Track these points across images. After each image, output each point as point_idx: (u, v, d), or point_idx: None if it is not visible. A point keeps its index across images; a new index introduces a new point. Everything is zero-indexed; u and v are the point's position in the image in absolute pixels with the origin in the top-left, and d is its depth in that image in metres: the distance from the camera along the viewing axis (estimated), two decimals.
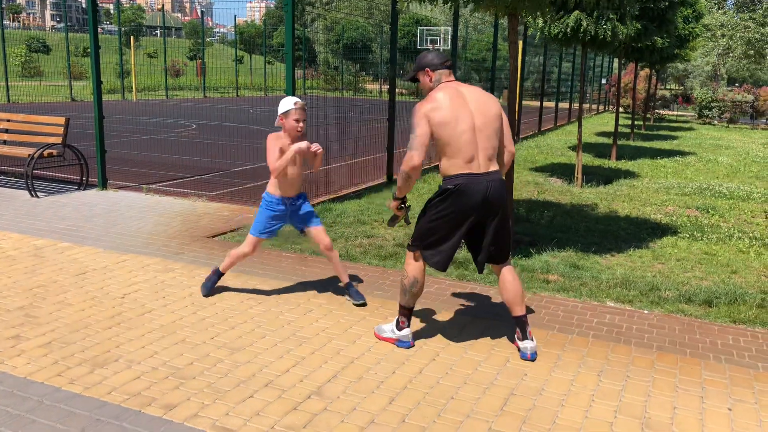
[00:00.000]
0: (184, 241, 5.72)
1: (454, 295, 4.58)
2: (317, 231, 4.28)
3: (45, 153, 7.47)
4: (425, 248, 3.57)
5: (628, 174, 10.80)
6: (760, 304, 4.53)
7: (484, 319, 4.15)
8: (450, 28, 33.96)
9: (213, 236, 5.94)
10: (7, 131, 8.13)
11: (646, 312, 4.39)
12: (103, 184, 7.91)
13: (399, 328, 3.71)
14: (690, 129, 22.08)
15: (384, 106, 9.07)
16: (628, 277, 5.03)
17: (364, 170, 9.85)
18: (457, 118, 3.39)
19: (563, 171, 10.83)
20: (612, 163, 12.26)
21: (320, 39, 49.87)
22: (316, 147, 4.08)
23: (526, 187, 9.18)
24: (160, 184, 8.35)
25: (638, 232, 6.64)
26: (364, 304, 4.30)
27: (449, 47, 36.72)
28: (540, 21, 9.17)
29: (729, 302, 4.53)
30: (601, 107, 33.26)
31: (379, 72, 46.70)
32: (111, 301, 4.23)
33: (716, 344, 3.88)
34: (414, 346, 3.71)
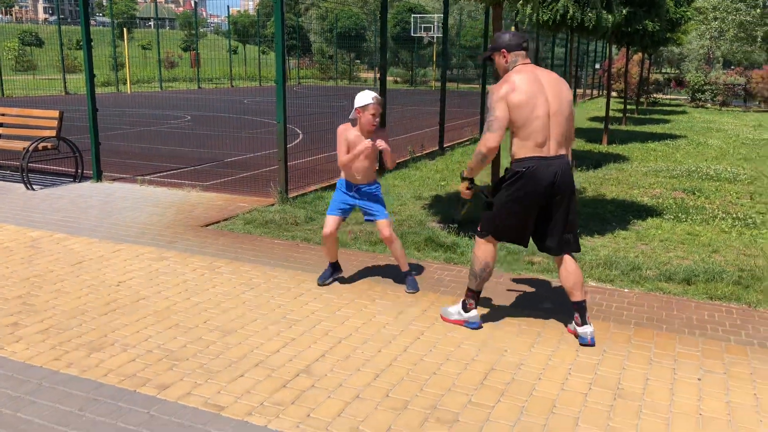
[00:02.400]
0: (178, 230, 5.84)
1: (441, 277, 4.71)
2: (379, 223, 4.35)
3: (40, 146, 7.56)
4: (497, 232, 3.65)
5: (618, 158, 10.92)
6: (737, 281, 4.67)
7: None
8: (443, 16, 33.99)
9: (206, 225, 6.06)
10: (1, 125, 8.23)
11: (626, 291, 4.52)
12: (98, 176, 8.01)
13: (466, 309, 3.80)
14: (683, 112, 22.17)
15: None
16: (611, 257, 5.17)
17: None
18: (534, 102, 3.42)
19: None
20: (603, 147, 12.37)
21: (314, 28, 49.74)
22: (380, 144, 4.15)
23: None
24: (155, 176, 8.45)
25: (624, 215, 6.77)
26: (415, 291, 4.39)
27: (441, 35, 36.71)
28: (528, 8, 9.25)
29: (707, 280, 4.67)
30: (596, 92, 33.31)
31: (373, 60, 46.60)
32: (106, 289, 4.36)
33: (692, 320, 4.02)
34: (482, 327, 3.82)
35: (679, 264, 5.07)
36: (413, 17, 36.11)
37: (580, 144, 12.78)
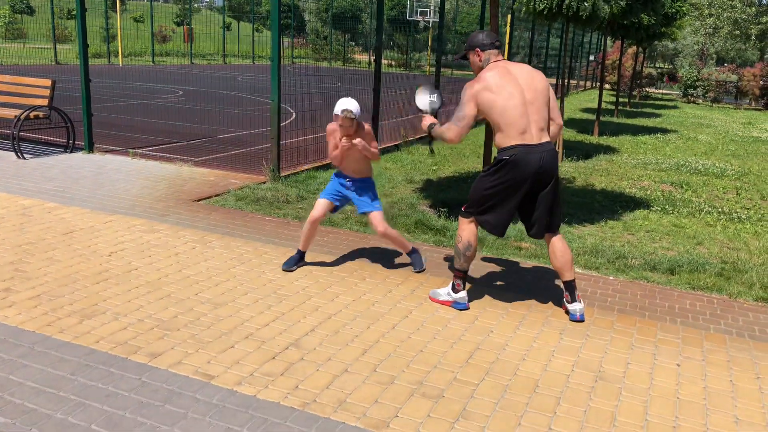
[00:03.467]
0: (169, 203, 5.85)
1: (431, 259, 4.77)
2: (372, 216, 4.38)
3: (31, 115, 7.51)
4: (481, 215, 3.78)
5: (609, 149, 11.01)
6: (719, 272, 4.77)
7: None
8: (440, 0, 33.83)
9: (198, 200, 6.07)
10: None
11: (611, 278, 4.61)
12: (90, 148, 7.98)
13: (455, 290, 3.90)
14: (674, 107, 22.30)
15: (372, 77, 9.15)
16: (597, 246, 5.25)
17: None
18: (508, 94, 3.57)
19: None
20: (594, 138, 12.46)
21: (309, 7, 49.32)
22: (357, 141, 4.16)
23: None
24: (147, 149, 8.43)
25: (612, 205, 6.86)
26: (422, 270, 4.47)
27: (438, 19, 36.55)
28: None
29: (691, 270, 4.77)
30: (589, 83, 33.38)
31: (368, 43, 46.36)
32: (98, 259, 4.38)
33: (674, 308, 4.12)
34: (469, 308, 3.91)
35: (664, 254, 5.16)
36: (409, 1, 35.89)
37: (571, 134, 12.86)
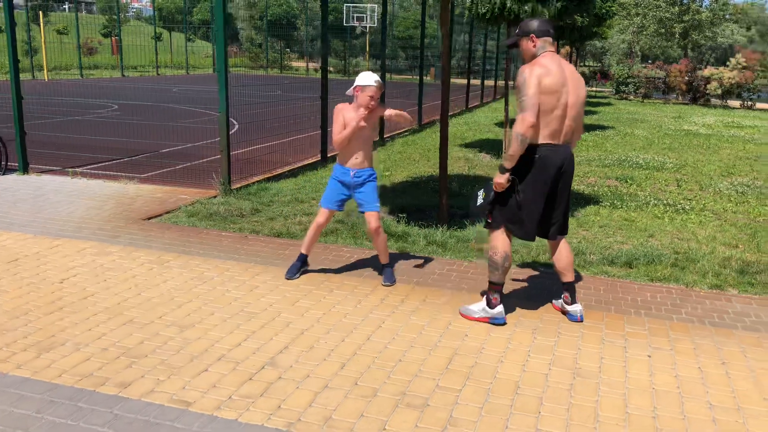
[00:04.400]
0: (119, 224, 5.62)
1: (396, 266, 4.74)
2: (368, 214, 4.30)
3: None
4: (510, 222, 3.65)
5: None
6: (674, 263, 4.93)
7: (424, 287, 4.34)
8: (377, 6, 33.90)
9: (149, 218, 5.86)
10: None
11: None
12: (25, 169, 7.60)
13: (491, 306, 3.73)
14: (608, 104, 23.09)
15: (313, 83, 9.07)
16: None
17: (298, 149, 9.86)
18: (560, 91, 3.45)
19: (491, 146, 11.18)
20: None
21: (242, 15, 48.65)
22: (388, 112, 4.20)
23: (457, 162, 9.45)
24: (87, 167, 8.09)
25: None
26: (392, 284, 4.38)
27: (376, 25, 36.67)
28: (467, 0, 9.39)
29: (647, 263, 4.91)
30: None
31: (303, 49, 46.09)
32: (49, 287, 4.16)
33: (636, 301, 4.23)
34: (507, 323, 3.76)
35: (619, 248, 5.31)
36: (346, 6, 35.91)
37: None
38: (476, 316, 3.80)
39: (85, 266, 4.54)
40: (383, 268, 4.49)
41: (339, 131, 4.17)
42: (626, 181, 8.28)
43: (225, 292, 4.17)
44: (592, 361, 3.36)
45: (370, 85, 4.12)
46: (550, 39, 3.59)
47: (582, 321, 3.84)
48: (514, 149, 3.48)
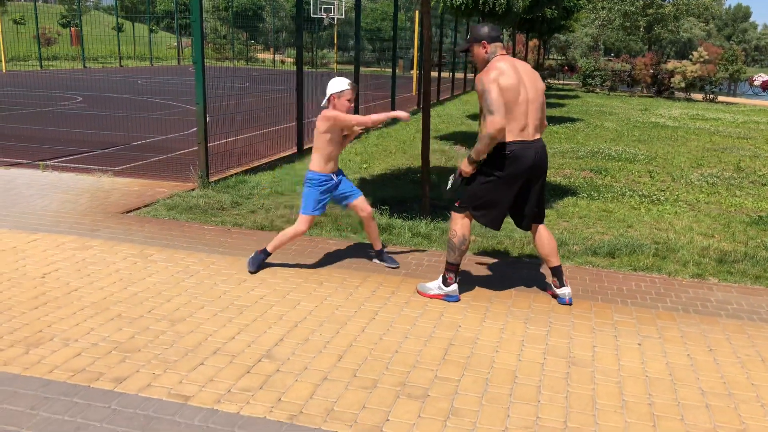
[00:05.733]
0: (97, 217, 5.49)
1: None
2: (359, 201, 4.35)
3: None
4: (476, 209, 3.81)
5: None
6: (655, 253, 5.04)
7: (415, 279, 4.35)
8: None
9: (127, 212, 5.74)
10: None
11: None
12: None
13: (447, 284, 3.93)
14: (576, 97, 23.41)
15: (280, 75, 8.98)
16: None
17: (274, 141, 9.76)
18: (518, 89, 3.60)
19: (465, 138, 11.24)
20: None
21: (206, 6, 47.82)
22: (402, 114, 4.21)
23: (433, 155, 9.47)
24: (57, 160, 7.88)
25: None
26: (397, 266, 4.50)
27: (344, 16, 36.44)
28: None
29: (629, 253, 5.01)
30: None
31: (269, 41, 45.56)
32: (30, 282, 4.04)
33: (622, 290, 4.31)
34: (460, 300, 3.95)
35: (601, 239, 5.40)
36: None
37: None
38: (432, 293, 4.01)
39: (66, 260, 4.42)
40: (380, 253, 4.56)
41: (357, 121, 4.16)
42: (601, 173, 8.41)
43: (213, 285, 4.11)
44: (584, 350, 3.42)
45: (345, 90, 4.13)
46: (500, 44, 3.80)
47: (571, 304, 3.96)
48: (480, 147, 3.63)
